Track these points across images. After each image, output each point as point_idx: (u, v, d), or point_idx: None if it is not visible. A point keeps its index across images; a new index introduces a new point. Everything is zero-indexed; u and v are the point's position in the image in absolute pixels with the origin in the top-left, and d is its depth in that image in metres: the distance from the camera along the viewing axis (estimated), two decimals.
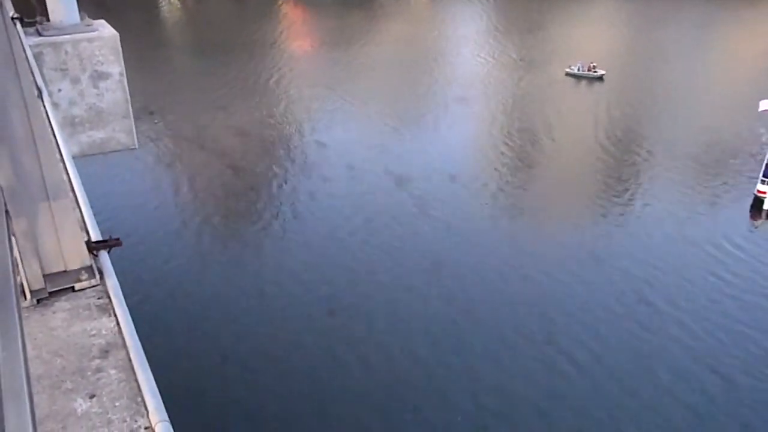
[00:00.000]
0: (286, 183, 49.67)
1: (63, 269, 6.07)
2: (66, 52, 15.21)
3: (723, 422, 27.92)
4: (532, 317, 33.98)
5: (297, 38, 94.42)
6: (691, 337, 32.64)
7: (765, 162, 47.76)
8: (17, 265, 5.68)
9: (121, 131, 16.18)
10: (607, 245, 41.15)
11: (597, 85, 71.57)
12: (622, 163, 54.22)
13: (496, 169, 52.71)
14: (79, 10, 16.17)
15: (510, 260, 39.14)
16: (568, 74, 73.98)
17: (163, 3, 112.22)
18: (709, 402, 28.76)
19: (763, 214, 45.23)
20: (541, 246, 40.73)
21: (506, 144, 57.86)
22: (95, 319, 5.71)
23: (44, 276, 5.99)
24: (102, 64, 15.59)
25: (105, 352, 5.34)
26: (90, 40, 15.46)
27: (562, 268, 38.23)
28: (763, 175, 46.56)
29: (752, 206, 46.32)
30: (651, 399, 28.87)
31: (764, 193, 45.73)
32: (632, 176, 52.48)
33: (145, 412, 4.71)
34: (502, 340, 32.46)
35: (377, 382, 30.14)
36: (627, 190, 49.67)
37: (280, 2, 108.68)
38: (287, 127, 61.33)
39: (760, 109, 51.39)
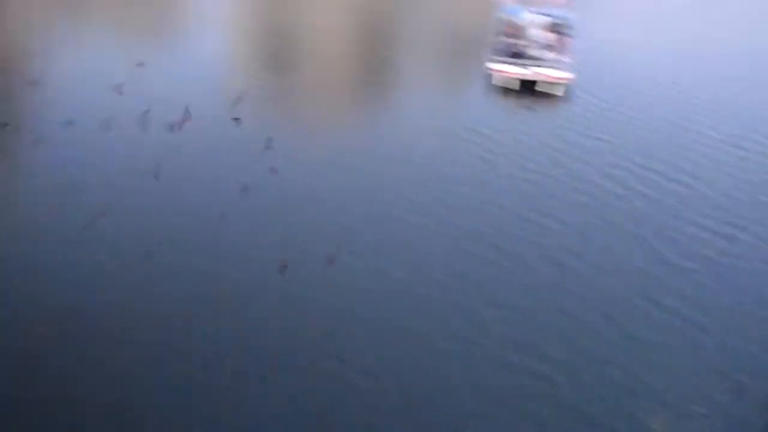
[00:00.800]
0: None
1: None
2: None
3: (457, 314, 27.12)
4: (276, 222, 30.72)
5: None
6: (441, 219, 31.57)
7: (494, 44, 50.17)
8: None
9: None
10: (363, 141, 38.91)
11: None
12: (372, 59, 52.66)
13: (247, 75, 48.09)
14: None
15: (255, 164, 35.41)
16: None
17: None
18: (442, 289, 27.81)
19: (493, 89, 47.56)
20: (292, 146, 37.43)
21: (255, 48, 53.52)
22: None
23: None
24: None
25: None
26: None
27: (317, 168, 35.33)
28: (493, 55, 49.03)
29: (485, 83, 48.26)
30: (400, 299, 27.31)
31: (494, 70, 47.84)
32: (383, 72, 50.99)
33: None
34: (248, 248, 28.96)
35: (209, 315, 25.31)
36: (379, 84, 47.90)
37: None
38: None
39: None
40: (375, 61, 52.20)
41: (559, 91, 46.77)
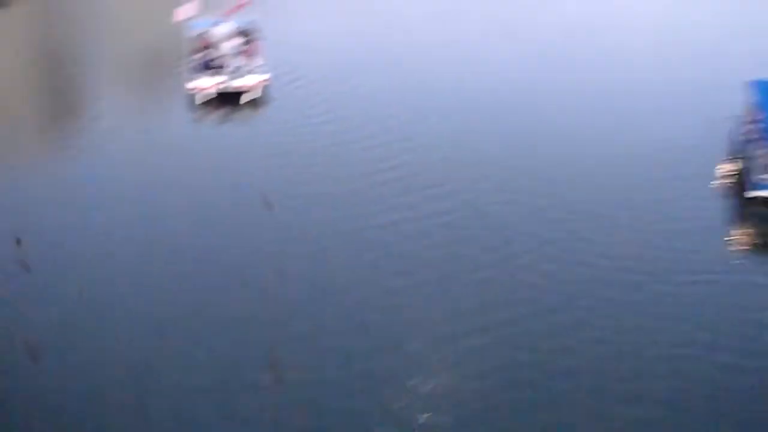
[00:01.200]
0: None
1: None
2: None
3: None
4: None
5: None
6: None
7: (190, 62, 50.63)
8: None
9: None
10: (60, 177, 38.30)
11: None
12: (65, 92, 51.44)
13: None
14: None
15: None
16: None
17: None
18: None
19: (194, 106, 48.70)
20: None
21: None
22: None
23: None
24: None
25: None
26: None
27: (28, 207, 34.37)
28: (191, 72, 49.72)
29: (186, 101, 49.17)
30: None
31: (193, 87, 48.96)
32: (76, 103, 49.83)
33: None
34: None
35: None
36: (72, 117, 46.89)
37: None
38: None
39: (175, 18, 51.92)
40: (68, 93, 51.11)
41: (257, 95, 48.61)
